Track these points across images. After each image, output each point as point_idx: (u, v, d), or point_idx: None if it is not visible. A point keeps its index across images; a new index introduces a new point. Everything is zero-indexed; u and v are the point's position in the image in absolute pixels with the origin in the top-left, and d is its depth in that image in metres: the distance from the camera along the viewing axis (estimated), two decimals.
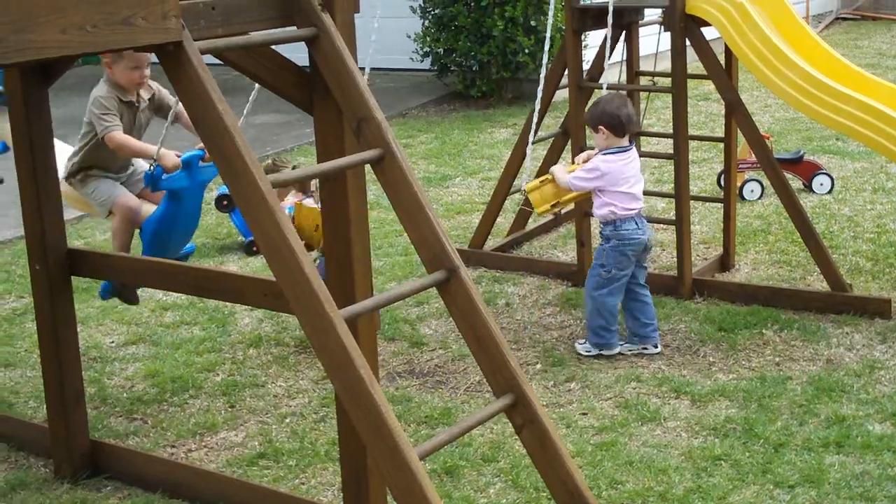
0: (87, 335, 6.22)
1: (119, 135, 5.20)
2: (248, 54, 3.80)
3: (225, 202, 7.68)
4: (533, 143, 6.58)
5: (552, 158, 7.37)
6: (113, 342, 6.24)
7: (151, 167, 5.11)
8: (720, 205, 7.11)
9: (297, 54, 3.79)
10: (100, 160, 5.45)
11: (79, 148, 5.46)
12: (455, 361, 5.78)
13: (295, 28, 3.73)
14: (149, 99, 5.45)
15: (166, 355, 5.99)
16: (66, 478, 4.73)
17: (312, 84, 3.81)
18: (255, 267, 7.26)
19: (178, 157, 5.19)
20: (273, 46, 3.79)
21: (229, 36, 3.60)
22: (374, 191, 7.70)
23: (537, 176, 6.42)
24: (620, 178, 5.65)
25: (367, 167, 3.71)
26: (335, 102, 3.71)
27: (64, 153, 5.83)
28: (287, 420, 5.23)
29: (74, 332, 4.76)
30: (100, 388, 5.63)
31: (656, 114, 10.55)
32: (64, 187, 5.76)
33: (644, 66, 7.35)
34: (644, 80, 7.33)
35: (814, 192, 8.43)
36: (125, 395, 5.57)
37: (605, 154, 5.70)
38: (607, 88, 6.20)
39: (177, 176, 5.17)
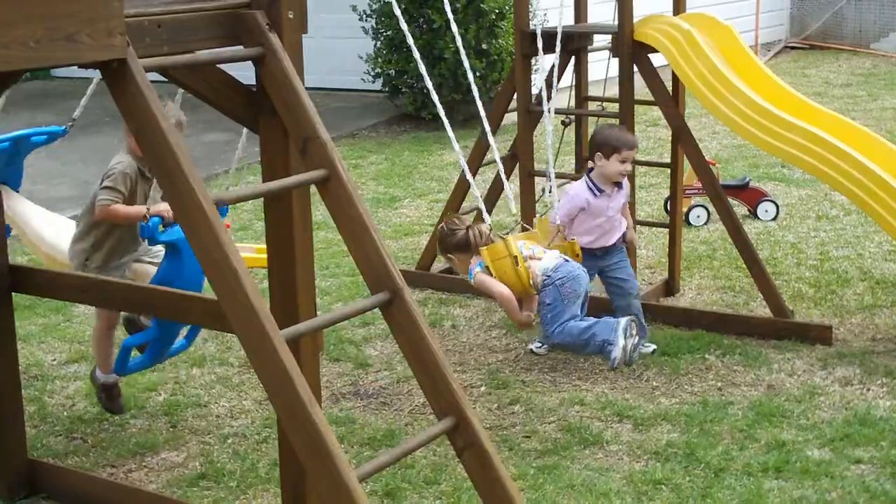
0: (28, 353, 6.15)
1: (110, 208, 4.92)
2: (194, 72, 3.79)
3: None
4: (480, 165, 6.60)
5: (499, 182, 7.39)
6: (54, 360, 6.17)
7: (146, 219, 4.78)
8: (666, 230, 7.17)
9: (243, 72, 3.79)
10: (116, 240, 5.13)
11: (90, 225, 5.13)
12: (400, 383, 5.77)
13: (242, 47, 3.73)
14: None
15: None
16: (2, 497, 4.67)
17: (258, 103, 3.81)
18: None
19: None
20: (219, 65, 3.79)
21: (176, 54, 3.60)
22: (322, 211, 7.69)
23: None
24: None
25: (314, 187, 3.71)
26: (281, 122, 3.71)
27: (55, 225, 5.71)
28: (229, 441, 5.19)
29: (14, 350, 4.70)
30: (40, 407, 5.56)
31: None
32: (46, 248, 5.61)
33: (593, 91, 7.41)
34: (593, 106, 7.38)
35: (759, 218, 8.52)
36: (65, 413, 5.51)
37: None
38: (556, 114, 6.26)
39: (175, 228, 4.81)
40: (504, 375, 5.83)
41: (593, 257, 5.92)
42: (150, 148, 3.36)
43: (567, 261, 5.48)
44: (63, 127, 5.72)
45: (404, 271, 6.93)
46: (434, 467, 4.85)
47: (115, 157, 5.11)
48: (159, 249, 5.16)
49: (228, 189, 6.75)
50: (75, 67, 3.35)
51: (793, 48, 17.95)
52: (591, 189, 5.88)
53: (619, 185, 5.94)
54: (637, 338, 5.37)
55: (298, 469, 3.77)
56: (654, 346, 6.01)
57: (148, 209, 4.83)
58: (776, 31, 18.01)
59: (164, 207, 4.85)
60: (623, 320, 5.33)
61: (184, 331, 5.28)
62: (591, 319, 5.40)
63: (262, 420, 5.37)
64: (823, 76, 15.43)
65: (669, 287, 7.00)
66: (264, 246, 4.11)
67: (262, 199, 4.07)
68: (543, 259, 5.44)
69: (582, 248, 5.79)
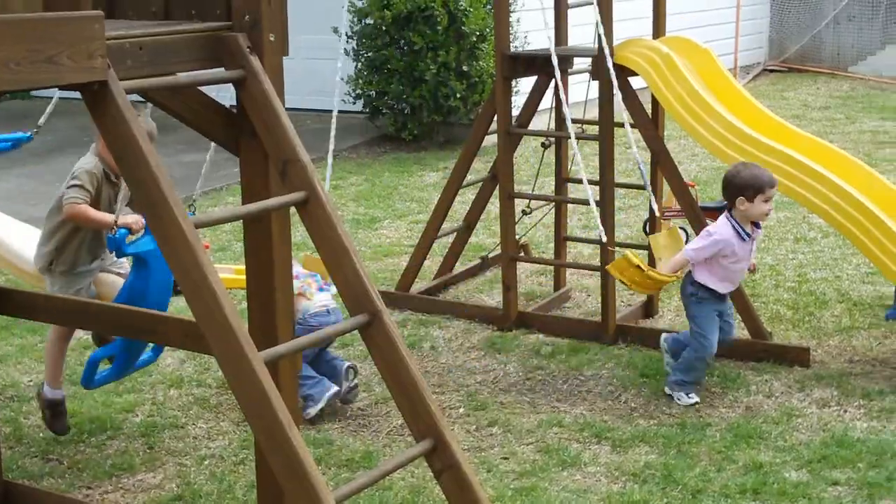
0: (4, 373, 6.13)
1: (79, 207, 4.95)
2: (174, 94, 3.80)
3: None
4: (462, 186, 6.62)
5: (480, 204, 7.42)
6: (31, 381, 6.14)
7: (113, 231, 4.75)
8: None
9: (223, 93, 3.80)
10: (80, 242, 5.17)
11: (55, 227, 5.20)
12: (378, 405, 5.77)
13: (223, 69, 3.74)
14: None
15: (85, 395, 5.90)
16: None
17: (239, 125, 3.81)
18: (178, 307, 7.18)
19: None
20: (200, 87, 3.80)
21: (157, 76, 3.60)
22: (302, 232, 7.68)
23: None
24: None
25: (293, 209, 3.72)
26: (261, 144, 3.72)
27: (25, 236, 5.72)
28: (206, 462, 5.17)
29: None
30: (16, 428, 5.54)
31: (585, 160, 10.61)
32: (23, 266, 5.64)
33: (574, 113, 7.43)
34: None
35: None
36: (41, 434, 5.48)
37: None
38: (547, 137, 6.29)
39: (142, 240, 4.81)
40: (483, 397, 5.84)
41: (718, 299, 5.74)
42: (129, 169, 3.36)
43: (328, 312, 5.58)
44: (28, 133, 5.74)
45: (384, 292, 6.95)
46: (412, 489, 4.84)
47: (83, 158, 5.17)
48: (126, 260, 5.18)
49: (208, 210, 6.74)
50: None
51: (771, 71, 18.08)
52: (739, 234, 5.63)
53: (757, 224, 5.74)
54: (350, 384, 5.64)
55: (276, 491, 3.75)
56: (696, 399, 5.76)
57: (116, 220, 4.83)
58: (755, 55, 18.13)
59: (132, 219, 4.92)
60: (333, 389, 5.53)
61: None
62: (313, 370, 5.56)
63: (240, 442, 5.36)
64: (802, 99, 15.54)
65: (648, 309, 7.02)
66: (243, 267, 4.11)
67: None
68: (312, 300, 5.56)
69: (710, 291, 5.67)
